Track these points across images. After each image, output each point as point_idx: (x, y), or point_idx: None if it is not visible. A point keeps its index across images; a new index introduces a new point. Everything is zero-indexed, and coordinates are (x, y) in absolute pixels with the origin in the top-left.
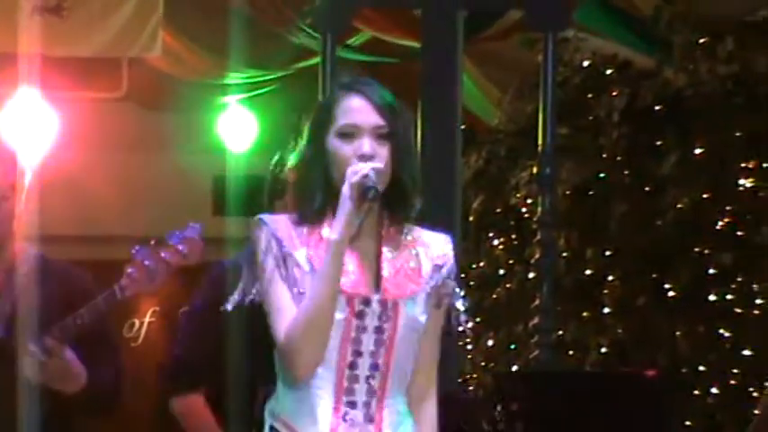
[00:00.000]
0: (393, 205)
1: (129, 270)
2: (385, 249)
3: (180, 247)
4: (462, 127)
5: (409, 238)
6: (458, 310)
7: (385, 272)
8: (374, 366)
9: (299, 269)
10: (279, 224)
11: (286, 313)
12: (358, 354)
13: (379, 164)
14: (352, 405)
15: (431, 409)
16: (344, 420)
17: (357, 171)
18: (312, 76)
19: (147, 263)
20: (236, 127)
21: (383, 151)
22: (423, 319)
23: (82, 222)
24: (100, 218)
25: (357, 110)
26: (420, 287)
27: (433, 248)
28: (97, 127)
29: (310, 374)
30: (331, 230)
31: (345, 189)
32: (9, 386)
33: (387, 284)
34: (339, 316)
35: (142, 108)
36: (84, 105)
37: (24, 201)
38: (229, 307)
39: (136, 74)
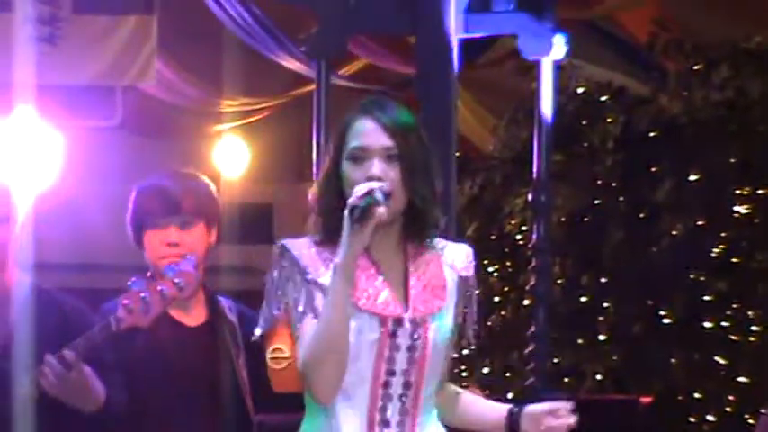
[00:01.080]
0: (412, 224)
1: (126, 302)
2: (411, 267)
3: (176, 280)
4: (457, 154)
5: (433, 252)
6: (473, 310)
7: (413, 290)
8: (406, 385)
9: (324, 293)
10: (302, 249)
11: (304, 341)
12: (391, 373)
13: (380, 183)
14: (386, 424)
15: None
16: None
17: (355, 192)
18: (307, 103)
19: (143, 294)
20: (230, 154)
21: (393, 173)
22: (450, 332)
23: (78, 250)
24: (96, 246)
25: (366, 133)
26: (445, 302)
27: (458, 260)
28: (93, 155)
29: (331, 397)
30: (336, 254)
31: (346, 212)
32: (5, 415)
33: (416, 302)
34: (373, 336)
35: (137, 136)
36: (80, 133)
37: (19, 230)
38: (258, 332)
39: (131, 102)
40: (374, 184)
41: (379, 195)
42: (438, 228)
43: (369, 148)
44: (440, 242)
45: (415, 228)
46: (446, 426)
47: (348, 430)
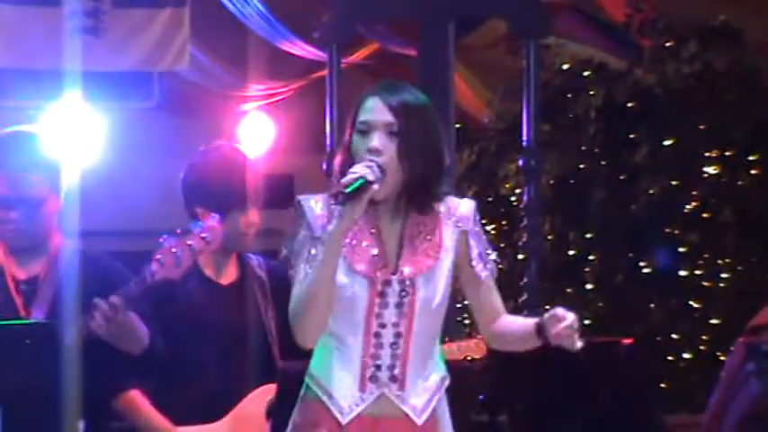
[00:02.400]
0: (411, 193)
1: (158, 256)
2: (407, 233)
3: (203, 235)
4: (456, 125)
5: (433, 216)
6: (488, 258)
7: (404, 254)
8: (397, 335)
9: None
10: (313, 205)
11: (295, 290)
12: (382, 325)
13: (374, 158)
14: (378, 368)
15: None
16: (370, 380)
17: (351, 172)
18: (323, 85)
19: (174, 250)
20: (255, 131)
21: (392, 146)
22: (442, 285)
23: (120, 218)
24: (136, 214)
25: (372, 109)
26: (438, 261)
27: (456, 214)
28: (133, 133)
29: (311, 343)
30: (330, 223)
31: (332, 192)
32: (54, 371)
33: (405, 265)
34: (363, 294)
35: (172, 115)
36: (121, 114)
37: (65, 200)
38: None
39: (166, 85)
40: (364, 170)
41: (371, 177)
42: (438, 199)
43: (372, 123)
44: (444, 203)
45: (415, 198)
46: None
47: (344, 370)
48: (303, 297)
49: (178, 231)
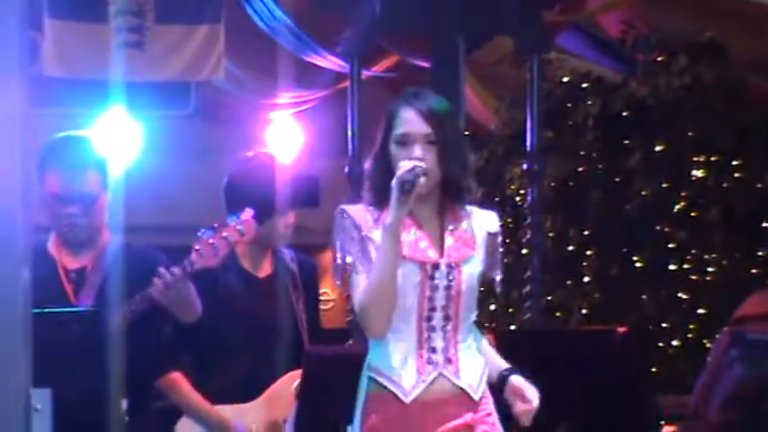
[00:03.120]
0: (448, 192)
1: (197, 247)
2: (447, 224)
3: (238, 227)
4: (466, 132)
5: (465, 215)
6: (497, 271)
7: (447, 242)
8: (446, 318)
9: (375, 246)
10: (358, 212)
11: (360, 289)
12: (432, 309)
13: (419, 162)
14: (433, 351)
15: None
16: (429, 363)
17: (401, 167)
18: (346, 95)
19: (211, 241)
20: (284, 137)
21: (431, 154)
22: (478, 275)
23: (161, 214)
24: (175, 211)
25: (410, 121)
26: (474, 252)
27: (486, 222)
28: (172, 138)
29: (383, 332)
30: (386, 216)
31: (393, 182)
32: (101, 355)
33: (449, 251)
34: (415, 279)
35: (207, 122)
36: (162, 121)
37: (112, 199)
38: (338, 284)
39: (202, 94)
40: (416, 162)
41: (419, 170)
42: (470, 194)
43: (412, 135)
44: (471, 208)
45: (450, 196)
46: None
47: (401, 357)
48: (373, 289)
49: (215, 225)
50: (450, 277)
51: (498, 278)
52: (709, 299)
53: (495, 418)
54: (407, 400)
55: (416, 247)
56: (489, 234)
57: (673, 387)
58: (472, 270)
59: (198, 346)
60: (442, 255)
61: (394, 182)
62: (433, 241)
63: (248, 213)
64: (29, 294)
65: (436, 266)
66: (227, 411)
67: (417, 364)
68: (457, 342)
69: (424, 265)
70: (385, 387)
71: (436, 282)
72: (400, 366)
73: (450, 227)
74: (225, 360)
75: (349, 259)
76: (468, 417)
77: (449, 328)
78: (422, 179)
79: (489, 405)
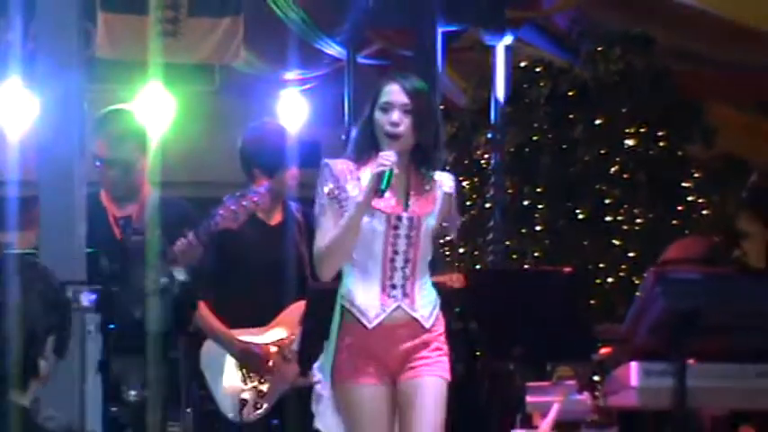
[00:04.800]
0: (418, 156)
1: (221, 211)
2: (412, 184)
3: (255, 198)
4: (441, 107)
5: (429, 177)
6: (455, 220)
7: (411, 198)
8: (406, 260)
9: (348, 196)
10: (338, 165)
11: (324, 235)
12: (395, 252)
13: (394, 162)
14: (394, 287)
15: None
16: (389, 296)
17: (381, 162)
18: (342, 74)
19: (233, 207)
20: (292, 109)
21: (407, 120)
22: (433, 227)
23: (192, 171)
24: (203, 169)
25: (392, 92)
26: (434, 208)
27: (445, 183)
28: (201, 109)
29: (330, 277)
30: (358, 194)
31: (373, 171)
32: (141, 277)
33: (413, 206)
34: (381, 228)
35: (228, 97)
36: (193, 96)
37: (152, 160)
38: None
39: (224, 74)
40: (392, 162)
41: (395, 168)
42: (438, 162)
43: (393, 103)
44: (434, 172)
45: (418, 159)
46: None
47: (368, 290)
48: (332, 245)
49: (237, 194)
50: (411, 228)
51: (454, 235)
52: (638, 245)
53: (443, 345)
54: (371, 326)
55: (384, 201)
56: (446, 194)
57: (608, 317)
58: (429, 223)
59: (219, 281)
60: (405, 209)
61: (373, 171)
62: (400, 198)
63: (263, 188)
64: (83, 235)
65: (399, 218)
66: (242, 335)
67: (381, 297)
68: (414, 280)
69: (389, 216)
70: (354, 315)
71: (399, 231)
72: (367, 299)
73: (416, 187)
74: (241, 293)
75: (326, 205)
76: (424, 336)
77: (408, 268)
78: (396, 171)
79: (440, 329)
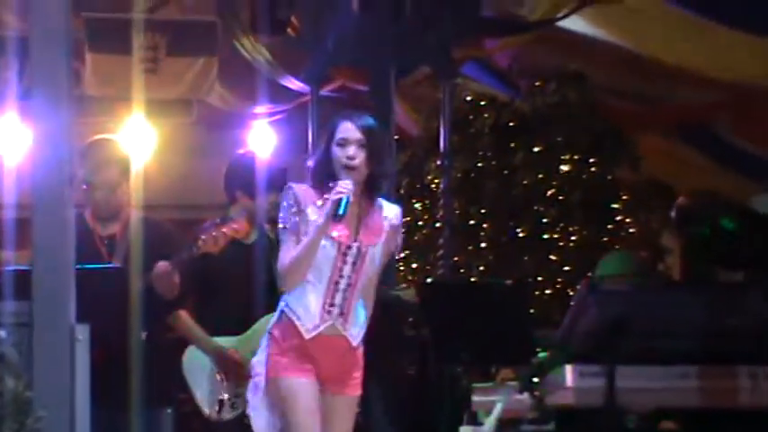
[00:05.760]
0: (369, 188)
1: (203, 237)
2: (363, 215)
3: (234, 225)
4: (396, 137)
5: (377, 208)
6: (398, 246)
7: (361, 230)
8: (348, 284)
9: (308, 220)
10: (300, 190)
11: (287, 252)
12: (341, 276)
13: (350, 190)
14: (332, 305)
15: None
16: (328, 314)
17: (338, 189)
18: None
19: (213, 234)
20: (261, 139)
21: (361, 155)
22: (378, 257)
23: (172, 195)
24: (182, 192)
25: (347, 129)
26: (380, 239)
27: (391, 215)
28: (179, 139)
29: (293, 289)
30: (316, 215)
31: (330, 198)
32: (125, 298)
33: (361, 237)
34: (333, 253)
35: (204, 128)
36: (172, 126)
37: (134, 185)
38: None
39: (201, 107)
40: (344, 191)
41: (348, 196)
42: (384, 191)
43: (348, 139)
44: (382, 201)
45: (370, 190)
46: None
47: (311, 304)
48: (294, 262)
49: (217, 220)
50: (358, 256)
51: (398, 248)
52: (572, 260)
53: (362, 367)
54: (307, 336)
55: (338, 230)
56: (392, 225)
57: (546, 324)
58: (374, 254)
59: (201, 294)
60: (355, 239)
61: (331, 197)
62: (352, 227)
63: (243, 214)
64: (72, 253)
65: (349, 247)
66: (221, 342)
67: (320, 312)
68: (352, 302)
69: (341, 244)
70: (293, 322)
71: (347, 258)
72: (308, 311)
73: (366, 218)
74: (221, 303)
75: (289, 226)
76: (351, 353)
77: (348, 291)
78: (351, 197)
79: (362, 355)
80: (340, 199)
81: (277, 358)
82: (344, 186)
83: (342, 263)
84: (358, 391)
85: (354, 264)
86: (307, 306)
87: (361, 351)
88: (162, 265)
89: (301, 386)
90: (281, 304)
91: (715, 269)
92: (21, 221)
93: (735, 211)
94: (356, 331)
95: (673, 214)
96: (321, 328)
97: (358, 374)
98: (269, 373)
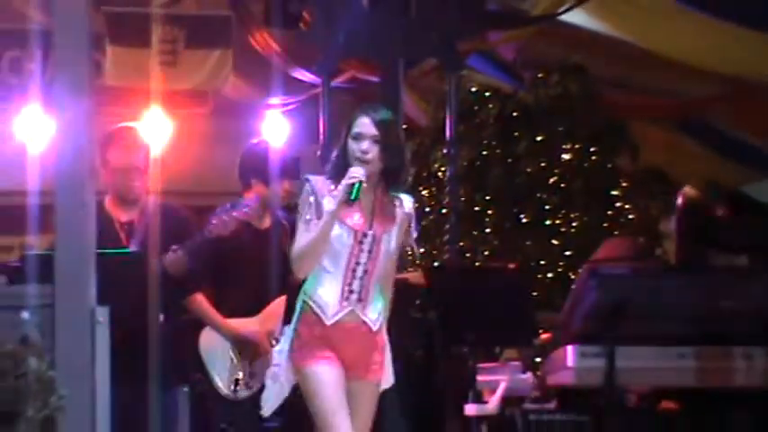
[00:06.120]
0: (384, 180)
1: (214, 221)
2: (377, 205)
3: (245, 209)
4: (404, 126)
5: (392, 198)
6: (414, 236)
7: (376, 218)
8: (365, 271)
9: (323, 210)
10: (318, 182)
11: (301, 238)
12: (357, 263)
13: (362, 175)
14: (351, 292)
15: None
16: (346, 300)
17: (351, 175)
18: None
19: (224, 217)
20: (275, 128)
21: (375, 149)
22: (393, 245)
23: (189, 182)
24: (200, 181)
25: (363, 124)
26: (393, 227)
27: (405, 204)
28: (195, 128)
29: (307, 275)
30: (330, 203)
31: (342, 183)
32: (144, 282)
33: (376, 225)
34: (349, 242)
35: (220, 118)
36: (188, 116)
37: (152, 172)
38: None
39: (217, 98)
40: (362, 175)
41: (363, 178)
42: (404, 184)
43: (363, 134)
44: (396, 193)
45: (385, 183)
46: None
47: (330, 292)
48: (307, 248)
49: (228, 205)
50: (373, 244)
51: (415, 238)
52: (574, 245)
53: (385, 354)
54: (328, 323)
55: (354, 219)
56: (406, 214)
57: (548, 307)
58: (389, 241)
59: (217, 277)
60: (370, 227)
61: (343, 183)
62: (367, 216)
63: (256, 199)
64: (93, 238)
65: (365, 235)
66: (235, 323)
67: (339, 299)
68: (369, 288)
69: (357, 233)
70: (314, 311)
71: (363, 246)
72: (328, 299)
73: (380, 207)
74: (236, 286)
75: (307, 216)
76: (372, 338)
77: (365, 278)
78: (364, 180)
79: (384, 342)
80: (352, 184)
81: (300, 349)
82: (356, 173)
83: (358, 250)
84: (380, 377)
85: (370, 251)
86: (326, 294)
87: (382, 337)
88: (171, 253)
89: (325, 373)
90: (301, 296)
91: (710, 254)
92: (45, 208)
93: (731, 198)
94: (375, 316)
95: (679, 201)
96: (341, 314)
97: (379, 359)
98: (293, 362)
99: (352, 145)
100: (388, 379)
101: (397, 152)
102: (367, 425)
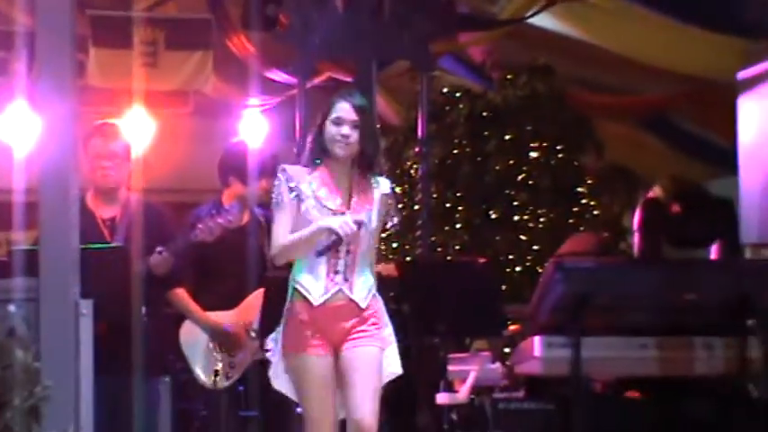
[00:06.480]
0: (362, 163)
1: (200, 226)
2: (354, 188)
3: (230, 218)
4: (378, 125)
5: (369, 181)
6: (392, 217)
7: (353, 199)
8: (347, 252)
9: (304, 196)
10: (294, 169)
11: (279, 233)
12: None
13: (351, 233)
14: (336, 273)
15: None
16: (332, 281)
17: (343, 228)
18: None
19: (209, 224)
20: (253, 128)
21: (355, 133)
22: (373, 225)
23: (171, 180)
24: (180, 178)
25: (343, 109)
26: (372, 208)
27: (382, 185)
28: (177, 127)
29: (283, 263)
30: (318, 221)
31: (333, 225)
32: (126, 275)
33: (354, 206)
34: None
35: (201, 117)
36: (170, 116)
37: (134, 170)
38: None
39: (197, 98)
40: (350, 231)
41: (349, 231)
42: (379, 167)
43: (344, 119)
44: (373, 176)
45: (362, 166)
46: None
47: (315, 274)
48: (289, 247)
49: (212, 210)
50: (354, 224)
51: (396, 221)
52: (541, 240)
53: (380, 321)
54: (316, 304)
55: (332, 200)
56: (383, 194)
57: (516, 299)
58: (370, 221)
59: (197, 272)
60: (348, 207)
61: (334, 226)
62: (345, 199)
63: (238, 206)
64: (77, 233)
65: (344, 215)
66: (214, 316)
67: (326, 281)
68: (354, 268)
69: (335, 213)
70: (302, 294)
71: None
72: (314, 282)
73: (358, 189)
74: (215, 281)
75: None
76: (360, 315)
77: (349, 258)
78: (353, 234)
79: (375, 308)
80: (339, 239)
81: (289, 333)
82: (349, 227)
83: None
84: (379, 344)
85: (351, 231)
86: (313, 277)
87: (373, 310)
88: (157, 255)
89: (313, 361)
90: (290, 283)
91: (666, 248)
92: (30, 205)
93: (692, 195)
94: (364, 294)
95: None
96: (328, 294)
97: (377, 328)
98: (284, 349)
99: (332, 129)
100: (394, 364)
101: (374, 137)
102: (372, 388)
